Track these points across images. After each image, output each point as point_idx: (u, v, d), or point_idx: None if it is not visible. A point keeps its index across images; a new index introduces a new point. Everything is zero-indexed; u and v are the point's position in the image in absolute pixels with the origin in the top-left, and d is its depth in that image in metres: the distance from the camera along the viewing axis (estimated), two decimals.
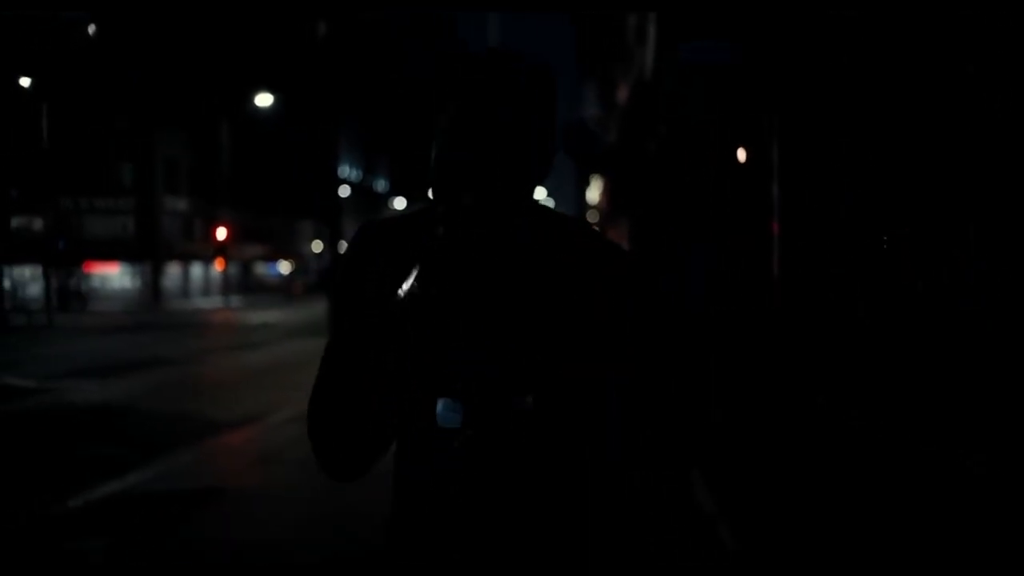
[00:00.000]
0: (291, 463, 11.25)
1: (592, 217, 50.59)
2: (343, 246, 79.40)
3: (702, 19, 9.47)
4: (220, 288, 67.65)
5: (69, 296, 49.44)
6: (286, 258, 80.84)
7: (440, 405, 2.29)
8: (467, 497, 2.31)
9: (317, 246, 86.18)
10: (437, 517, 2.34)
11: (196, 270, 69.96)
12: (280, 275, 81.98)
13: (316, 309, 49.58)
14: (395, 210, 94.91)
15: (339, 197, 79.81)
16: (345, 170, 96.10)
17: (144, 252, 61.58)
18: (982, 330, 4.81)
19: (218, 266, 66.02)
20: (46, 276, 46.33)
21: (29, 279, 51.25)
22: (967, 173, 4.94)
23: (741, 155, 9.77)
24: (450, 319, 2.31)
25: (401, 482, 2.41)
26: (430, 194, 2.29)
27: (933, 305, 5.48)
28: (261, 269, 79.87)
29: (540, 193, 2.47)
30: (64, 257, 49.93)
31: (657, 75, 11.92)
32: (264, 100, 55.37)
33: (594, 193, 55.42)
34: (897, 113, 5.83)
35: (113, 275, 62.54)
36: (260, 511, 9.16)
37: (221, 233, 61.87)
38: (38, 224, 51.34)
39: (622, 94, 18.41)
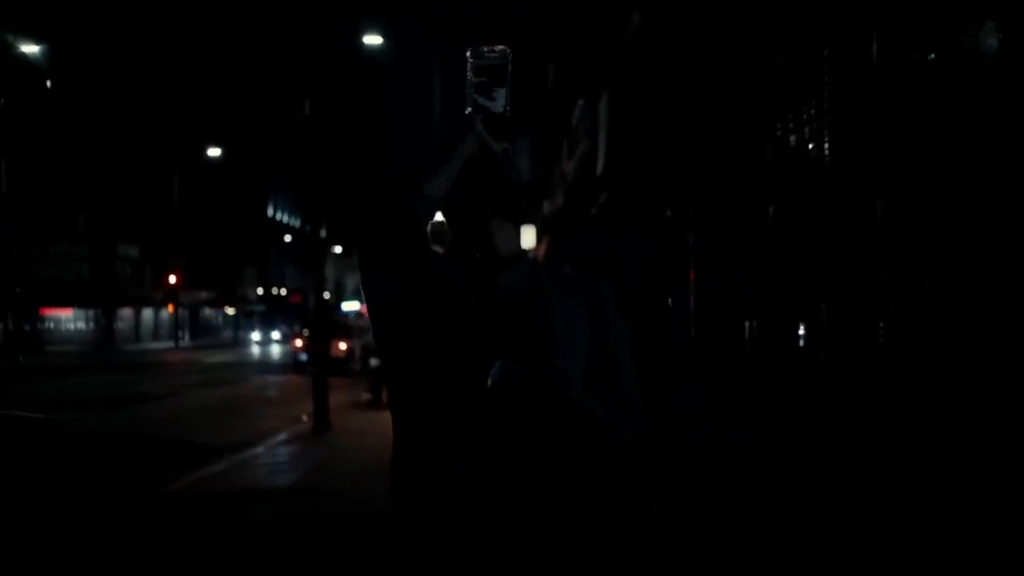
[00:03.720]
0: (308, 473, 13.78)
1: None
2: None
3: (644, 137, 11.83)
4: (170, 331, 69.38)
5: (26, 339, 50.92)
6: (231, 303, 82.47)
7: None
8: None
9: (260, 291, 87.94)
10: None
11: (147, 313, 71.56)
12: (225, 317, 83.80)
13: (265, 349, 51.45)
14: (335, 255, 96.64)
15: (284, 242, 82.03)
16: (285, 217, 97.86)
17: (98, 297, 63.21)
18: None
19: (169, 310, 67.81)
20: (3, 320, 47.73)
21: None
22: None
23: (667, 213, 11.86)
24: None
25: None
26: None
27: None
28: (207, 311, 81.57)
29: None
30: (20, 301, 51.25)
31: (608, 170, 14.36)
32: (213, 152, 57.58)
33: (529, 240, 57.82)
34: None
35: (66, 317, 64.00)
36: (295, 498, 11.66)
37: (172, 279, 63.64)
38: None
39: (568, 167, 21.18)
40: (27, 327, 55.46)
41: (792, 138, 6.87)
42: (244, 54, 74.75)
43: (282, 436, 17.43)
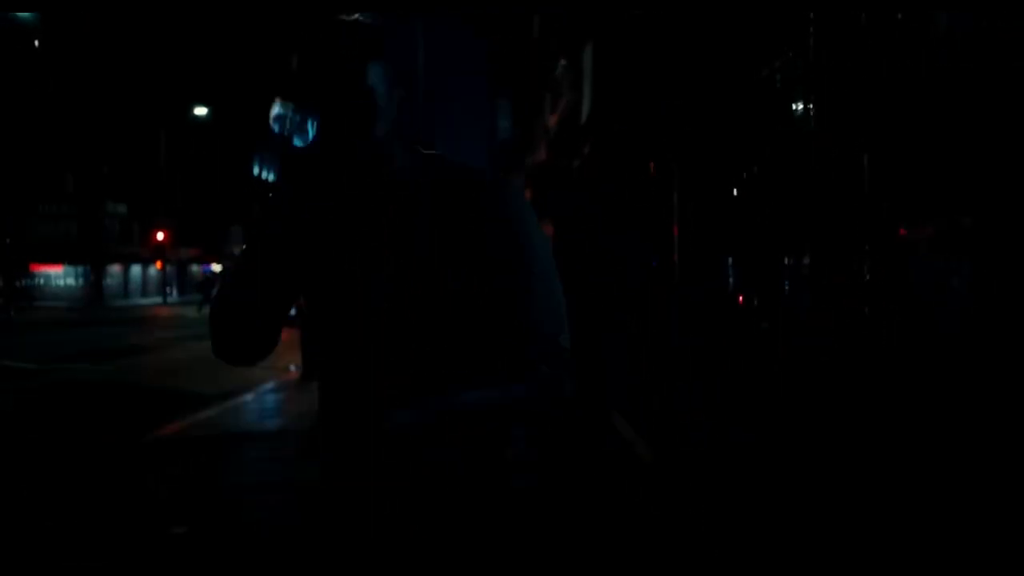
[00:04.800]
0: (292, 415, 14.17)
1: None
2: None
3: (631, 85, 12.18)
4: (159, 287, 69.77)
5: (17, 294, 51.19)
6: (218, 260, 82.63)
7: None
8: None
9: None
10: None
11: (135, 270, 71.88)
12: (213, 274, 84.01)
13: None
14: None
15: None
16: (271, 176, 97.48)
17: (87, 254, 63.48)
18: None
19: (157, 266, 68.15)
20: None
21: None
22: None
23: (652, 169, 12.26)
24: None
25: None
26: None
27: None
28: (194, 269, 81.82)
29: None
30: (11, 258, 51.45)
31: (592, 120, 14.63)
32: (200, 111, 57.81)
33: None
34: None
35: (56, 274, 64.30)
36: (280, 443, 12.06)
37: (159, 236, 63.85)
38: None
39: (552, 120, 21.47)
40: (18, 283, 55.75)
41: (777, 82, 7.12)
42: (231, 12, 74.62)
43: (270, 384, 17.78)
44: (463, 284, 2.38)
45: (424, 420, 2.35)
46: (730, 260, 9.16)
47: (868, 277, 5.47)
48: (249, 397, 16.14)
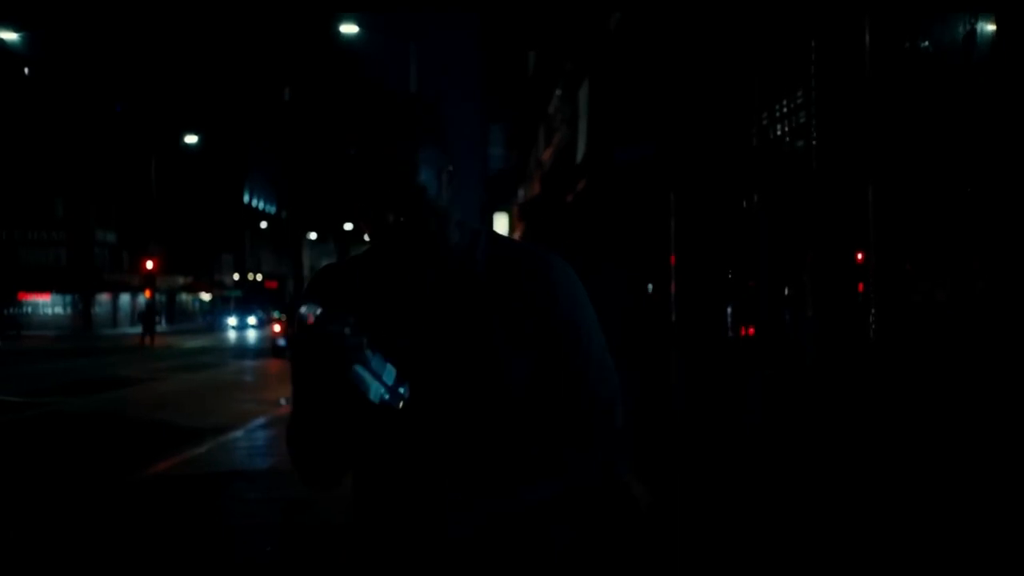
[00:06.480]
0: (283, 453, 14.06)
1: None
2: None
3: (626, 125, 12.14)
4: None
5: (4, 323, 51.15)
6: (208, 289, 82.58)
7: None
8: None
9: (236, 276, 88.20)
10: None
11: (124, 299, 71.78)
12: (202, 303, 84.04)
13: (241, 334, 51.56)
14: (311, 241, 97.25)
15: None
16: (261, 204, 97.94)
17: (76, 282, 63.30)
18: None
19: (146, 295, 68.09)
20: None
21: None
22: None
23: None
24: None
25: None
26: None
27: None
28: (183, 297, 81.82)
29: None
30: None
31: (588, 160, 14.62)
32: (190, 139, 57.89)
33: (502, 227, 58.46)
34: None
35: (44, 303, 64.24)
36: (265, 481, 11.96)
37: (149, 264, 63.78)
38: None
39: (546, 154, 21.49)
40: (6, 312, 55.76)
41: (778, 126, 7.10)
42: (222, 41, 74.85)
43: (260, 420, 17.70)
44: (519, 361, 2.38)
45: (480, 523, 2.37)
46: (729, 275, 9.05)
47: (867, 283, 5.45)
48: (239, 433, 16.04)
